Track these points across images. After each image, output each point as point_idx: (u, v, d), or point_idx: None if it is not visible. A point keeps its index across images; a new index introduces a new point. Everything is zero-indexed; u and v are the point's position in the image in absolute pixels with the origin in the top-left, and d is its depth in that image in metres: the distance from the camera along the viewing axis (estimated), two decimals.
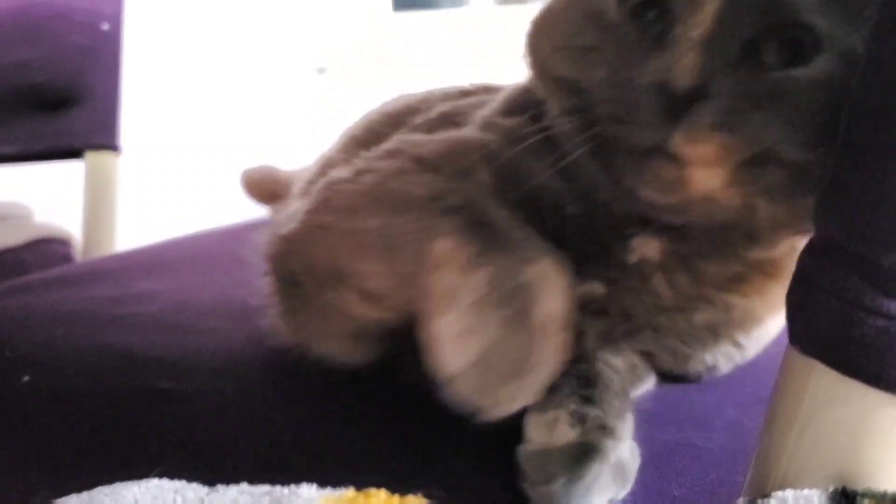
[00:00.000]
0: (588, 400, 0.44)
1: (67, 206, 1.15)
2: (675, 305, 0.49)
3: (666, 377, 0.54)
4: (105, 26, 1.10)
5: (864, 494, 0.33)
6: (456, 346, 0.38)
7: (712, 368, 0.54)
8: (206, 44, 1.65)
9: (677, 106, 0.39)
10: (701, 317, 0.50)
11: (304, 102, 1.64)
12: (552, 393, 0.44)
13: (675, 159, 0.40)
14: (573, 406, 0.43)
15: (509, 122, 0.51)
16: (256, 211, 1.17)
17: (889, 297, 0.31)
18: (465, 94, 0.72)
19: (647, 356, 0.52)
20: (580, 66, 0.46)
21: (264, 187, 1.11)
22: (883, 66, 0.31)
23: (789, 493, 0.34)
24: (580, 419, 0.43)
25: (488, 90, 0.77)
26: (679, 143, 0.40)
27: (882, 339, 0.31)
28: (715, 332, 0.51)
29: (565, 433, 0.42)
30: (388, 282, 0.45)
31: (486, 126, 0.53)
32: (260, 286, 0.55)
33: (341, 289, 0.47)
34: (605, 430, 0.42)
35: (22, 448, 0.51)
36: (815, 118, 0.37)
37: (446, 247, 0.40)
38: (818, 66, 0.38)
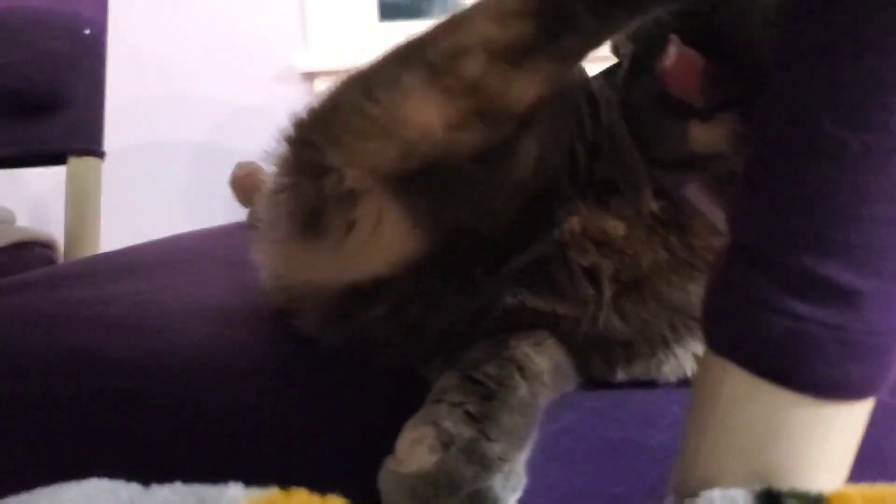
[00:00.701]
0: (471, 417, 0.42)
1: (53, 209, 1.16)
2: (674, 267, 0.50)
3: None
4: (87, 31, 1.10)
5: (789, 495, 0.33)
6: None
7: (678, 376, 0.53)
8: (191, 51, 1.66)
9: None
10: (695, 289, 0.50)
11: (290, 110, 1.65)
12: (438, 401, 0.43)
13: None
14: (447, 423, 0.41)
15: None
16: (237, 215, 1.18)
17: (796, 299, 0.32)
18: None
19: (585, 361, 0.52)
20: None
21: (245, 187, 1.12)
22: (791, 72, 0.32)
23: (717, 493, 0.35)
24: (446, 442, 0.40)
25: None
26: None
27: (790, 340, 0.32)
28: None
29: (422, 458, 0.39)
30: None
31: None
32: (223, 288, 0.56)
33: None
34: (473, 456, 0.39)
35: None
36: None
37: None
38: None
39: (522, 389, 0.45)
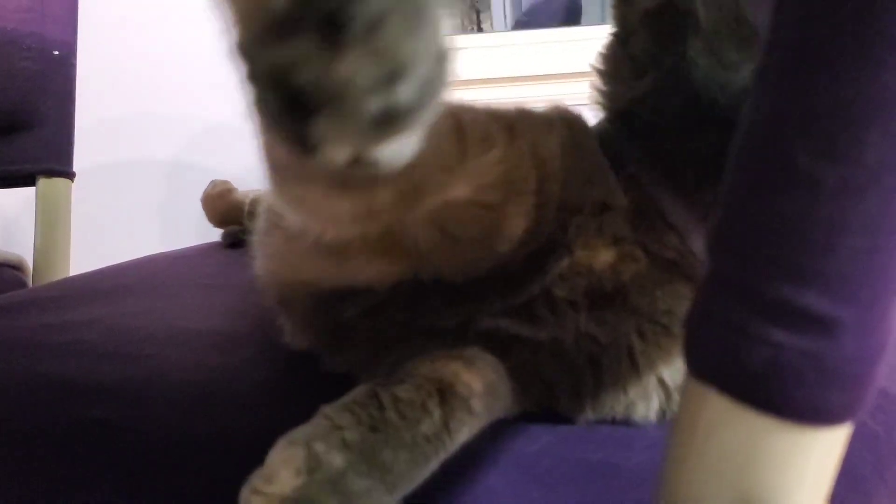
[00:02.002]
0: (347, 445, 0.40)
1: (22, 231, 1.14)
2: (642, 277, 0.50)
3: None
4: (56, 52, 1.09)
5: None
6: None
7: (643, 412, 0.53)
8: (162, 67, 1.65)
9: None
10: (661, 294, 0.50)
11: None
12: (326, 416, 0.41)
13: None
14: (319, 447, 0.39)
15: None
16: (210, 234, 1.17)
17: (774, 326, 0.32)
18: None
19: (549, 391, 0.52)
20: None
21: (217, 208, 1.11)
22: (765, 105, 0.33)
23: None
24: (313, 468, 0.37)
25: None
26: None
27: (768, 367, 0.32)
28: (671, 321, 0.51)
29: (285, 481, 0.37)
30: None
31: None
32: (200, 311, 0.56)
33: None
34: (336, 488, 0.38)
35: None
36: None
37: None
38: None
39: (427, 424, 0.43)
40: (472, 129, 0.46)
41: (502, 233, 0.48)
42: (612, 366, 0.52)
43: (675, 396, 0.52)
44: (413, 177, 0.41)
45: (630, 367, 0.51)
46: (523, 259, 0.50)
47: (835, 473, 0.35)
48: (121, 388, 0.54)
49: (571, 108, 0.55)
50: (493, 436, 0.49)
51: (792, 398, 0.32)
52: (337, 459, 0.39)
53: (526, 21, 1.84)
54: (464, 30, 1.97)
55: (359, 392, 0.44)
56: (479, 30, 1.97)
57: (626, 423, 0.52)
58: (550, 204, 0.49)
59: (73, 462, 0.49)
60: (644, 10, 0.53)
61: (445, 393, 0.45)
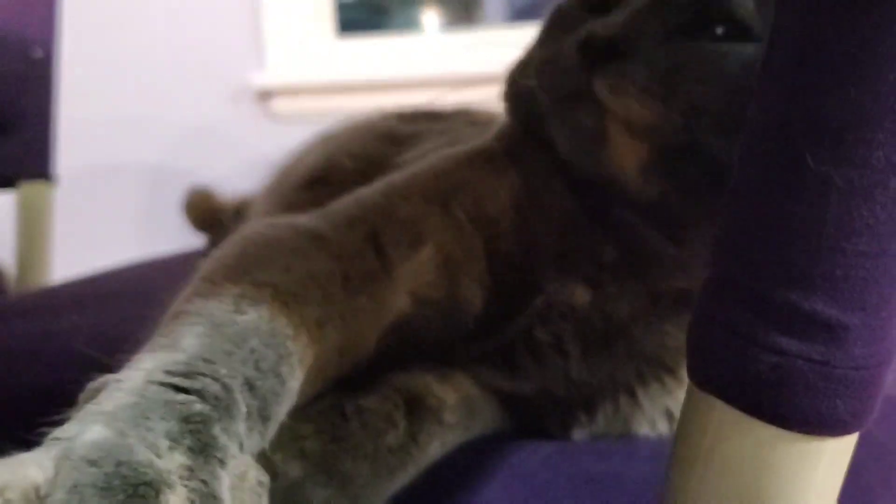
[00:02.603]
0: (305, 456, 0.39)
1: (2, 236, 1.12)
2: (646, 315, 0.49)
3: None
4: (38, 53, 1.08)
5: None
6: None
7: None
8: (144, 71, 1.63)
9: (596, 54, 0.42)
10: (671, 329, 0.49)
11: (246, 129, 1.63)
12: (294, 426, 0.39)
13: (598, 110, 0.42)
14: (278, 457, 0.38)
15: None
16: (193, 239, 1.16)
17: (781, 334, 0.31)
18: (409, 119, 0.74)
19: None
20: (537, 66, 0.48)
21: (199, 213, 1.10)
22: (771, 108, 0.32)
23: None
24: (272, 478, 0.35)
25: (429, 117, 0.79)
26: (601, 89, 0.42)
27: (775, 375, 0.31)
28: (678, 361, 0.50)
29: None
30: None
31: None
32: None
33: None
34: (294, 499, 0.38)
35: None
36: (741, 109, 0.35)
37: None
38: (751, 50, 0.41)
39: (392, 435, 0.42)
40: (391, 236, 0.45)
41: (460, 306, 0.47)
42: (609, 406, 0.51)
43: None
44: (346, 331, 0.41)
45: (632, 403, 0.51)
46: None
47: (841, 483, 0.35)
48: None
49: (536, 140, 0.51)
50: (493, 448, 0.48)
51: (800, 408, 0.31)
52: (294, 469, 0.38)
53: (519, 16, 1.83)
54: (455, 22, 1.96)
55: (323, 402, 0.43)
56: (472, 23, 1.96)
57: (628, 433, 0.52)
58: (506, 260, 0.48)
59: None
60: None
61: (413, 404, 0.44)
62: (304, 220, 0.46)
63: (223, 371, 0.33)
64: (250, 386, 0.33)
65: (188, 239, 1.17)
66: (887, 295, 0.31)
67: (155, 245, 1.22)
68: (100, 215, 1.65)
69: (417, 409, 0.44)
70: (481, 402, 0.49)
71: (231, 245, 0.43)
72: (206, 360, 0.33)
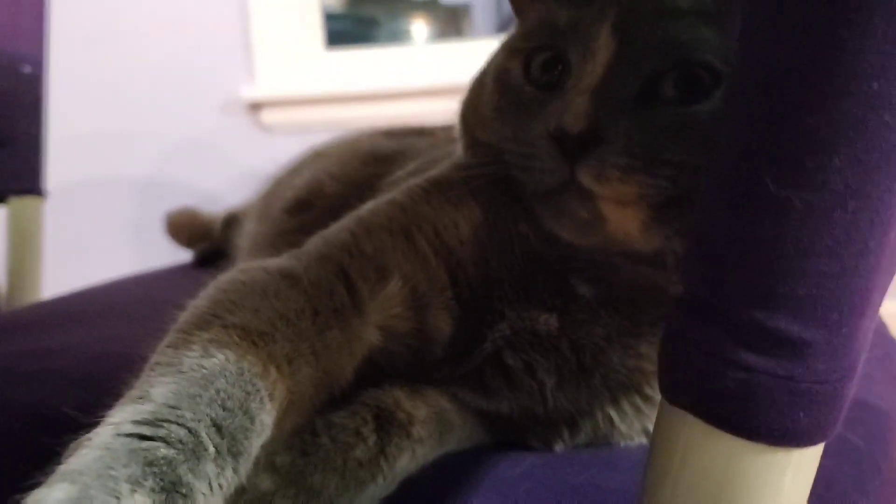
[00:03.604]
0: (274, 468, 0.41)
1: None
2: (621, 339, 0.49)
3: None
4: (27, 69, 1.08)
5: None
6: None
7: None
8: (134, 84, 1.64)
9: (572, 148, 0.42)
10: (647, 350, 0.50)
11: (236, 140, 1.63)
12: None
13: (588, 197, 0.42)
14: (251, 470, 0.38)
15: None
16: (184, 252, 1.16)
17: (747, 350, 0.32)
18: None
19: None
20: (494, 128, 0.49)
21: (187, 230, 1.10)
22: (734, 133, 0.33)
23: None
24: (240, 491, 0.37)
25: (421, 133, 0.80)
26: (586, 180, 0.42)
27: (741, 390, 0.33)
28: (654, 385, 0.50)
29: None
30: None
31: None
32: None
33: None
34: None
35: None
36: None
37: None
38: (718, 99, 0.41)
39: (361, 449, 0.44)
40: (360, 272, 0.47)
41: (429, 335, 0.49)
42: (589, 424, 0.52)
43: None
44: (319, 364, 0.43)
45: (610, 425, 0.52)
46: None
47: (810, 491, 0.36)
48: (98, 418, 0.53)
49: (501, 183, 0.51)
50: (475, 459, 0.49)
51: (765, 421, 0.33)
52: (265, 482, 0.40)
53: (507, 27, 1.84)
54: (443, 34, 1.97)
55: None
56: (460, 34, 1.97)
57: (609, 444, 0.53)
58: (469, 287, 0.50)
59: None
60: None
61: (383, 419, 0.46)
62: (276, 262, 0.48)
63: (188, 415, 0.35)
64: (217, 426, 0.35)
65: (180, 251, 1.18)
66: (848, 312, 0.32)
67: (147, 257, 1.23)
68: (91, 229, 1.65)
69: (387, 424, 0.45)
70: (456, 416, 0.51)
71: (205, 293, 0.45)
72: (171, 407, 0.35)
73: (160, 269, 1.07)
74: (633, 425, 0.52)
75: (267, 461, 0.41)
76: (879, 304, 0.34)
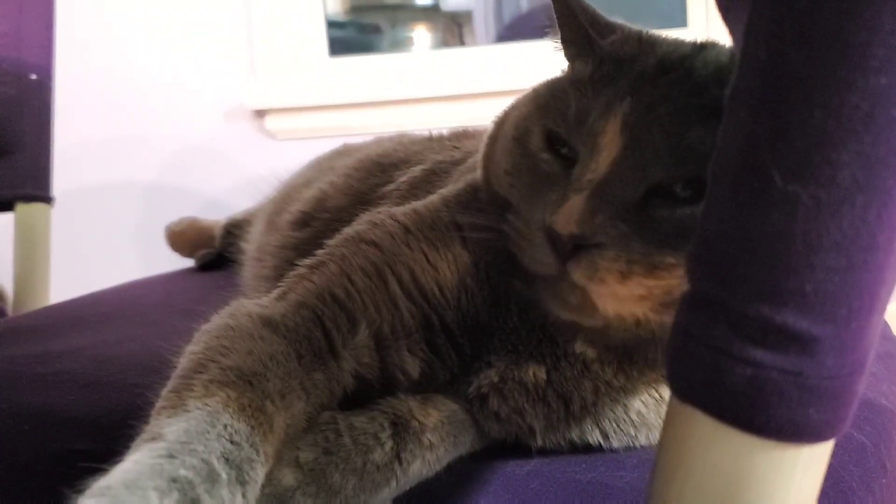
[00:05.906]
0: (299, 466, 0.43)
1: (0, 258, 1.13)
2: (611, 393, 0.51)
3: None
4: (33, 77, 1.09)
5: None
6: None
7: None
8: (139, 90, 1.64)
9: (564, 249, 0.43)
10: (636, 404, 0.51)
11: (241, 147, 1.64)
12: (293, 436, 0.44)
13: (583, 289, 0.44)
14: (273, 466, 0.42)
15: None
16: (187, 259, 1.17)
17: (755, 346, 0.32)
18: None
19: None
20: (506, 183, 0.50)
21: (188, 239, 1.11)
22: (741, 129, 0.33)
23: None
24: (263, 485, 0.40)
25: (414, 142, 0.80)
26: (581, 280, 0.43)
27: (750, 386, 0.33)
28: (646, 422, 0.52)
29: None
30: None
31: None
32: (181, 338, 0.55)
33: None
34: None
35: None
36: None
37: None
38: None
39: (378, 453, 0.45)
40: (332, 319, 0.49)
41: (394, 378, 0.50)
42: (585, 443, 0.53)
43: None
44: (308, 399, 0.45)
45: (646, 429, 0.53)
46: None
47: (820, 487, 0.36)
48: (106, 419, 0.54)
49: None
50: (483, 458, 0.49)
51: (774, 417, 0.33)
52: (287, 477, 0.42)
53: (508, 35, 1.84)
54: (445, 42, 1.98)
55: (322, 416, 0.46)
56: (462, 44, 1.98)
57: None
58: (447, 330, 0.51)
59: (56, 499, 0.48)
60: None
61: (399, 426, 0.47)
62: (259, 308, 0.50)
63: (201, 448, 0.37)
64: (226, 458, 0.38)
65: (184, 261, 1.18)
66: (857, 307, 0.32)
67: (153, 262, 1.23)
68: (97, 234, 1.66)
69: (403, 431, 0.47)
70: (466, 419, 0.51)
71: (199, 339, 0.48)
72: (183, 443, 0.38)
73: (165, 274, 1.07)
74: (627, 445, 0.53)
75: (291, 456, 0.43)
76: (888, 300, 0.33)
